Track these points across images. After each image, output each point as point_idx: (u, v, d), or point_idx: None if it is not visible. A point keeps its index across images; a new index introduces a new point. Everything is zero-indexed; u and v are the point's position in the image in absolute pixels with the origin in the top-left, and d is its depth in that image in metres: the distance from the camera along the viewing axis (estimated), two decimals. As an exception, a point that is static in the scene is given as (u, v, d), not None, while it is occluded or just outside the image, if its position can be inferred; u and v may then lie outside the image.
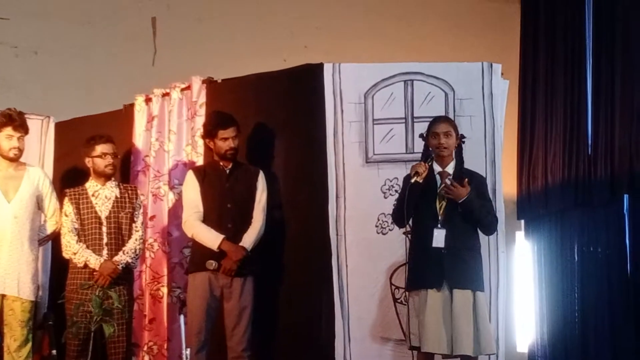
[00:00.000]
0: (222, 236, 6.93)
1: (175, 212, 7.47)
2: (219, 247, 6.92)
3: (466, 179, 6.37)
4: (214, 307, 6.98)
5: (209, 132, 7.10)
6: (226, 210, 7.02)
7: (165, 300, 7.54)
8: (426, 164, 6.40)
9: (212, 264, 6.92)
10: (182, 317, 6.55)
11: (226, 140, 7.05)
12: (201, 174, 7.12)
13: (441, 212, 6.40)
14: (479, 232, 6.52)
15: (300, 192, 7.23)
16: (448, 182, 6.36)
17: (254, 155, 7.36)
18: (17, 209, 6.88)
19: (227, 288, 6.95)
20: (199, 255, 7.01)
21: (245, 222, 7.02)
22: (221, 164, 7.11)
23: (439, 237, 6.34)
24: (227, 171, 7.10)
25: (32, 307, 6.88)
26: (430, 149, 6.51)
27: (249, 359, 6.94)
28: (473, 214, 6.39)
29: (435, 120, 6.58)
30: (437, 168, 6.49)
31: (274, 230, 7.13)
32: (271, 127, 7.36)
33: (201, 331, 6.91)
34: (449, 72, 7.18)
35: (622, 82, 8.24)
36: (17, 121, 6.91)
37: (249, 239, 6.97)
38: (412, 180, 6.33)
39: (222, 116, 7.12)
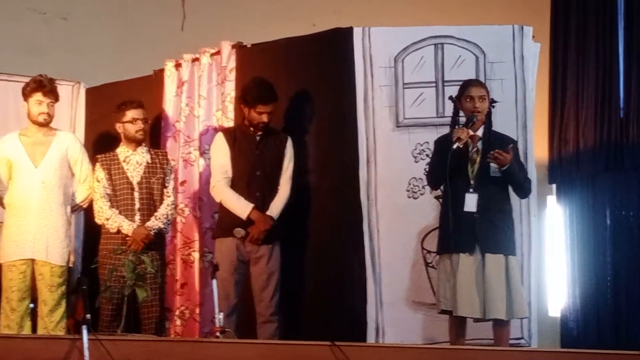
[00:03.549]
0: (251, 205, 6.93)
1: (206, 177, 7.45)
2: (248, 217, 6.94)
3: (511, 145, 6.31)
4: (241, 272, 7.00)
5: (248, 101, 7.01)
6: (255, 177, 7.01)
7: (196, 265, 7.57)
8: (468, 130, 6.33)
9: (240, 231, 6.92)
10: (214, 282, 6.54)
11: (262, 114, 6.99)
12: (232, 137, 7.08)
13: (473, 176, 6.37)
14: (510, 195, 6.50)
15: (331, 157, 7.21)
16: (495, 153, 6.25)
17: (284, 120, 7.34)
18: (45, 174, 6.83)
19: (254, 254, 6.96)
20: (227, 220, 7.01)
21: (272, 189, 7.02)
22: (251, 129, 7.08)
23: (471, 202, 6.31)
24: (258, 138, 7.07)
25: (63, 272, 6.85)
26: (462, 112, 6.47)
27: (278, 322, 6.97)
28: (514, 179, 6.36)
29: (470, 84, 6.52)
30: (468, 132, 6.46)
31: (305, 196, 7.13)
32: (301, 92, 7.33)
33: (230, 295, 6.92)
34: (480, 35, 7.13)
35: (654, 43, 8.19)
36: (46, 87, 6.88)
37: (276, 208, 6.97)
38: (454, 147, 6.26)
39: (266, 91, 6.99)
